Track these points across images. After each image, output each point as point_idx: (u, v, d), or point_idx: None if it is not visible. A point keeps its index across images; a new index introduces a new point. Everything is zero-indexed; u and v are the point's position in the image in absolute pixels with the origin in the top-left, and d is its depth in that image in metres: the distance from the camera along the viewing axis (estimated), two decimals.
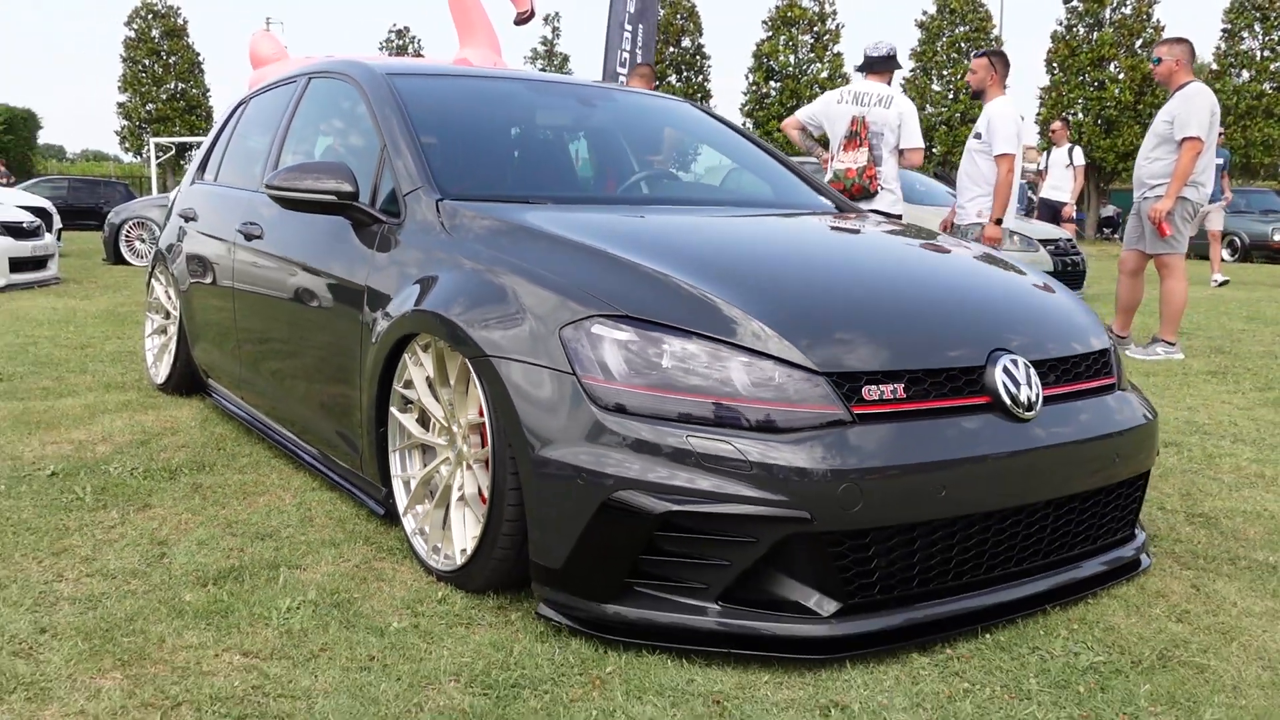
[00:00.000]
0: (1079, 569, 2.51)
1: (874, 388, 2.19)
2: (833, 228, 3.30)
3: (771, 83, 31.77)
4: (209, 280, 4.20)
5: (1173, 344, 6.54)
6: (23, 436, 3.87)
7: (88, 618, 2.25)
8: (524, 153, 3.67)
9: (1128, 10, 29.20)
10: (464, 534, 2.49)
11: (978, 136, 6.20)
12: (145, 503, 3.10)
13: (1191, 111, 6.19)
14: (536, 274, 2.44)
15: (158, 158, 28.13)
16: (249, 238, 3.73)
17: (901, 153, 5.90)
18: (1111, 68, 28.87)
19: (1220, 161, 12.21)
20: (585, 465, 2.13)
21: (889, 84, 6.03)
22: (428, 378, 2.63)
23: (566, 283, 2.37)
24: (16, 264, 9.47)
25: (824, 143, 6.26)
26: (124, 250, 12.85)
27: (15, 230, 9.60)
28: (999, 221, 6.08)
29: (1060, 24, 29.98)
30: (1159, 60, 6.54)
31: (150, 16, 35.13)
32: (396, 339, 2.68)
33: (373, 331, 2.80)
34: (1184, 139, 6.18)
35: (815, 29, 31.56)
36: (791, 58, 31.53)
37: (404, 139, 3.12)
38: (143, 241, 12.85)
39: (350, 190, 2.99)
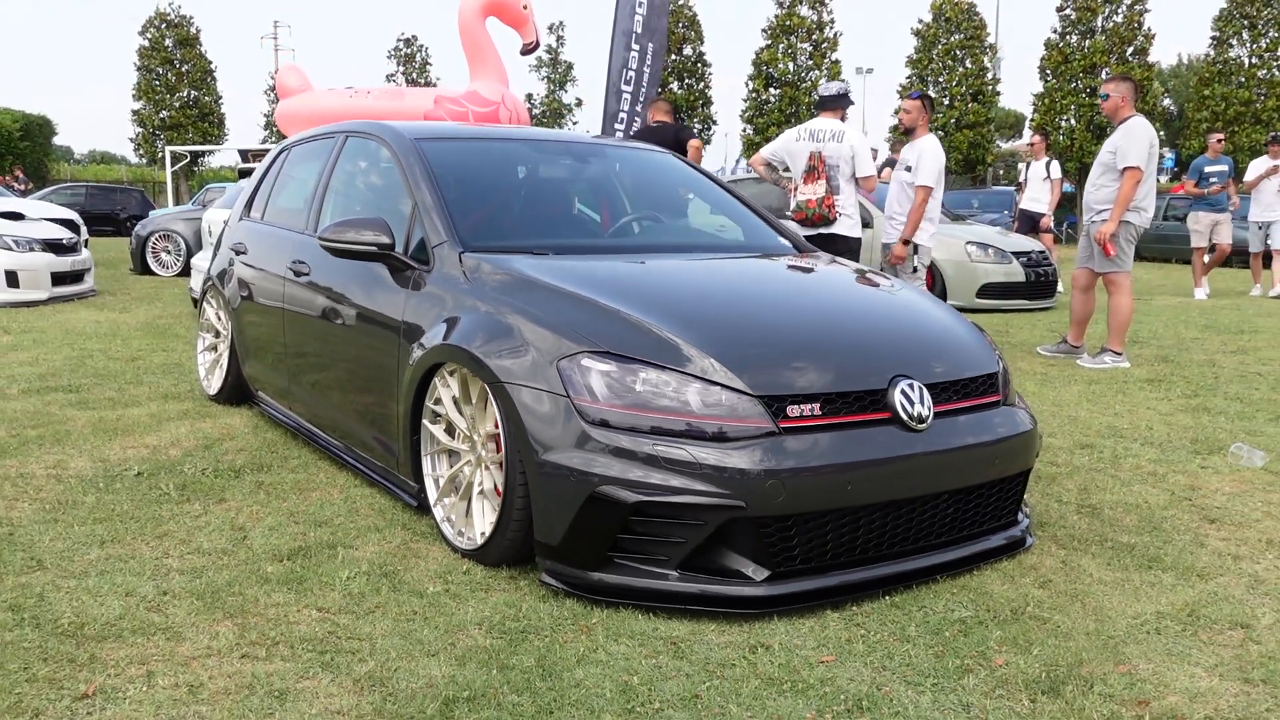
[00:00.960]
0: (965, 548, 3.18)
1: (796, 407, 2.87)
2: (781, 270, 4.00)
3: (771, 90, 32.45)
4: (259, 306, 4.90)
5: (1119, 354, 7.21)
6: (105, 442, 4.57)
7: (196, 584, 2.94)
8: (531, 206, 4.36)
9: (1119, 19, 29.82)
10: (483, 520, 3.18)
11: (908, 169, 6.96)
12: (220, 497, 3.79)
13: (1132, 143, 6.87)
14: (538, 317, 3.13)
15: (173, 165, 28.86)
16: (298, 274, 4.42)
17: (858, 181, 6.62)
18: (1103, 74, 29.49)
19: (1224, 169, 12.68)
20: (576, 466, 2.82)
21: (842, 119, 6.75)
22: (454, 397, 3.32)
23: (561, 324, 3.07)
24: (57, 278, 10.18)
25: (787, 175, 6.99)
26: (150, 261, 13.58)
27: (55, 246, 10.31)
28: (907, 242, 6.97)
29: (1054, 31, 30.62)
30: (1106, 96, 7.23)
31: (164, 25, 35.93)
32: (429, 366, 3.37)
33: (409, 357, 3.49)
34: (1125, 168, 6.85)
35: (814, 37, 32.23)
36: (790, 65, 32.22)
37: (431, 198, 3.81)
38: (168, 253, 13.57)
39: (388, 242, 3.68)
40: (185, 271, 13.24)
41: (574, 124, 38.77)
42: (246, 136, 40.68)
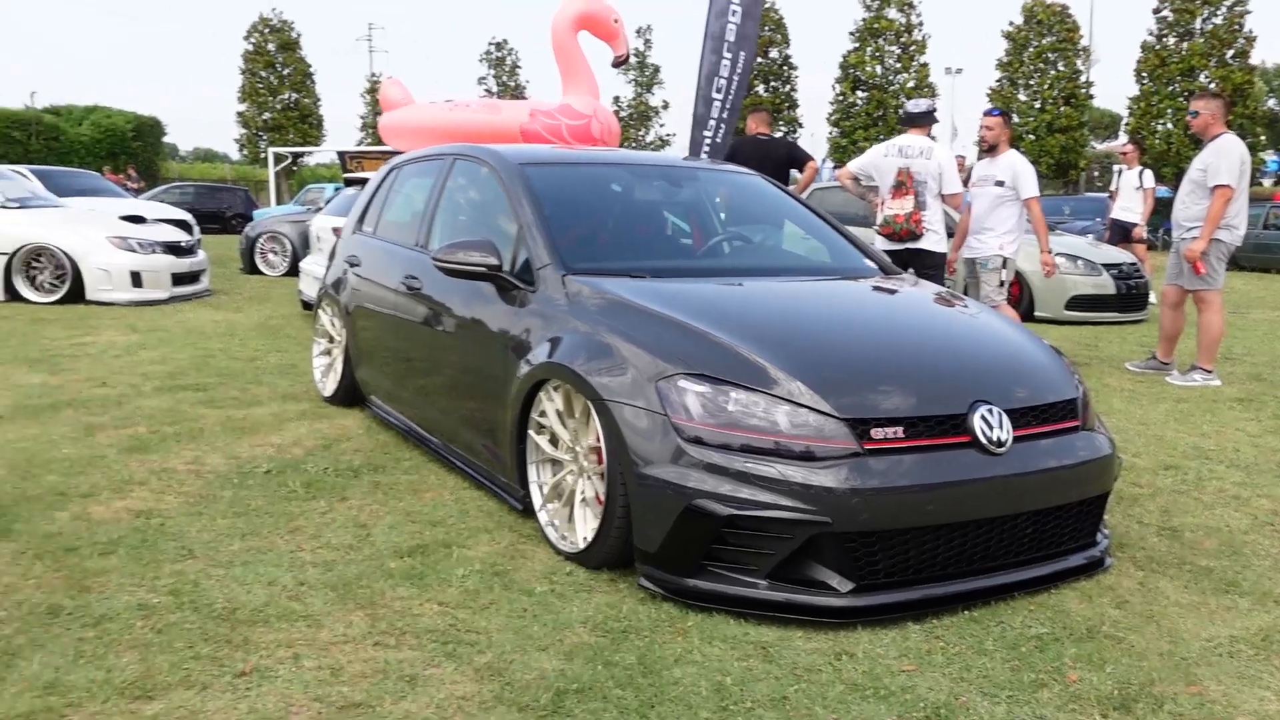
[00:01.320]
0: (1043, 567, 3.33)
1: (880, 430, 3.06)
2: (866, 293, 4.19)
3: (858, 92, 32.33)
4: (373, 316, 5.24)
5: (1209, 371, 7.19)
6: (235, 440, 4.95)
7: (328, 576, 3.25)
8: (628, 229, 4.61)
9: (1219, 20, 28.99)
10: (584, 526, 3.43)
11: (1000, 184, 7.04)
12: (342, 495, 4.12)
13: (1223, 161, 6.85)
14: (636, 338, 3.38)
15: (275, 165, 29.94)
16: (410, 288, 4.74)
17: (944, 197, 6.75)
18: (1202, 78, 28.70)
19: None
20: (673, 480, 3.05)
21: (928, 136, 6.89)
22: (557, 410, 3.58)
23: (658, 346, 3.30)
24: (177, 278, 10.79)
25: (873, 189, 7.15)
26: (259, 262, 14.23)
27: (175, 248, 10.93)
28: (1050, 251, 7.24)
29: (1150, 34, 29.89)
30: (1195, 114, 7.21)
31: (267, 30, 37.27)
32: (535, 381, 3.63)
33: (515, 372, 3.76)
34: (1216, 186, 6.84)
35: (901, 40, 32.02)
36: (878, 68, 32.04)
37: (536, 222, 4.08)
38: (275, 254, 14.19)
39: (496, 263, 3.96)
40: (290, 272, 13.85)
41: (660, 125, 39.07)
42: (343, 138, 41.90)
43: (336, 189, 22.81)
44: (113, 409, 5.58)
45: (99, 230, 10.60)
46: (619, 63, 10.18)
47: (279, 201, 29.71)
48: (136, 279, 10.38)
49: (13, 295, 10.26)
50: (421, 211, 5.07)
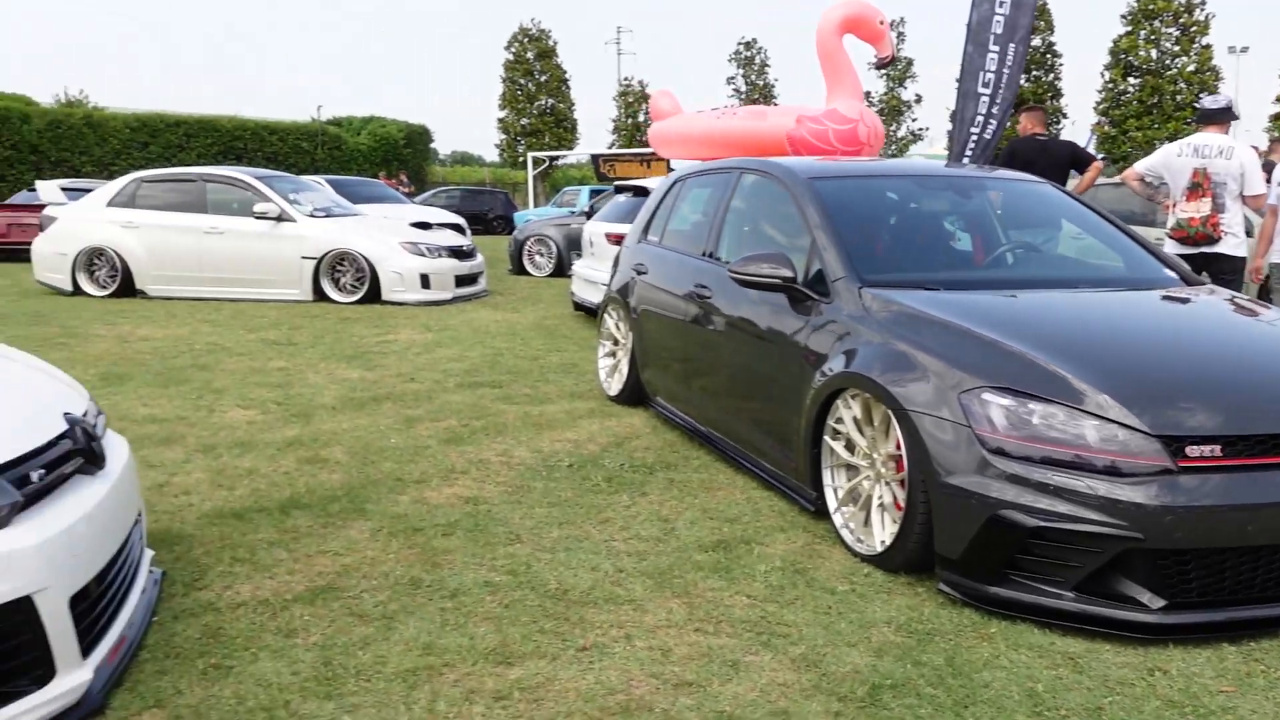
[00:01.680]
0: None
1: (1196, 448, 3.02)
2: (1167, 303, 4.08)
3: (1130, 79, 30.33)
4: (660, 321, 5.57)
5: None
6: (536, 435, 5.41)
7: (643, 565, 3.56)
8: (917, 241, 4.69)
9: None
10: (882, 531, 3.57)
11: None
12: (642, 490, 4.44)
13: None
14: (935, 350, 3.47)
15: (534, 169, 31.58)
16: (700, 296, 5.02)
17: (1245, 199, 6.33)
18: None
19: None
20: (977, 490, 3.14)
21: (1226, 133, 6.47)
22: (855, 418, 3.73)
23: (958, 359, 3.39)
24: (459, 280, 11.71)
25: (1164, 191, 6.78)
26: (526, 263, 15.13)
27: (457, 252, 11.87)
28: None
29: None
30: None
31: (526, 40, 39.31)
32: (832, 389, 3.80)
33: (810, 380, 3.94)
34: None
35: (1181, 20, 29.76)
36: (1153, 52, 29.94)
37: (829, 235, 4.24)
38: (541, 255, 15.05)
39: (790, 275, 4.16)
40: (555, 273, 14.66)
41: (913, 120, 38.14)
42: (594, 140, 43.57)
43: (593, 191, 23.88)
44: (425, 403, 6.20)
45: (393, 236, 11.66)
46: (883, 64, 10.17)
47: (536, 204, 31.28)
48: (425, 281, 11.35)
49: (319, 295, 11.45)
50: (708, 223, 5.35)
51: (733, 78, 40.10)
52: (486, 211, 30.57)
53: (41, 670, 2.45)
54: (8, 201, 20.02)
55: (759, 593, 3.33)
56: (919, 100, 38.44)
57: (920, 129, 37.94)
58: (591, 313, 9.79)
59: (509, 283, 14.17)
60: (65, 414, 2.87)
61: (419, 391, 6.54)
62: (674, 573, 3.49)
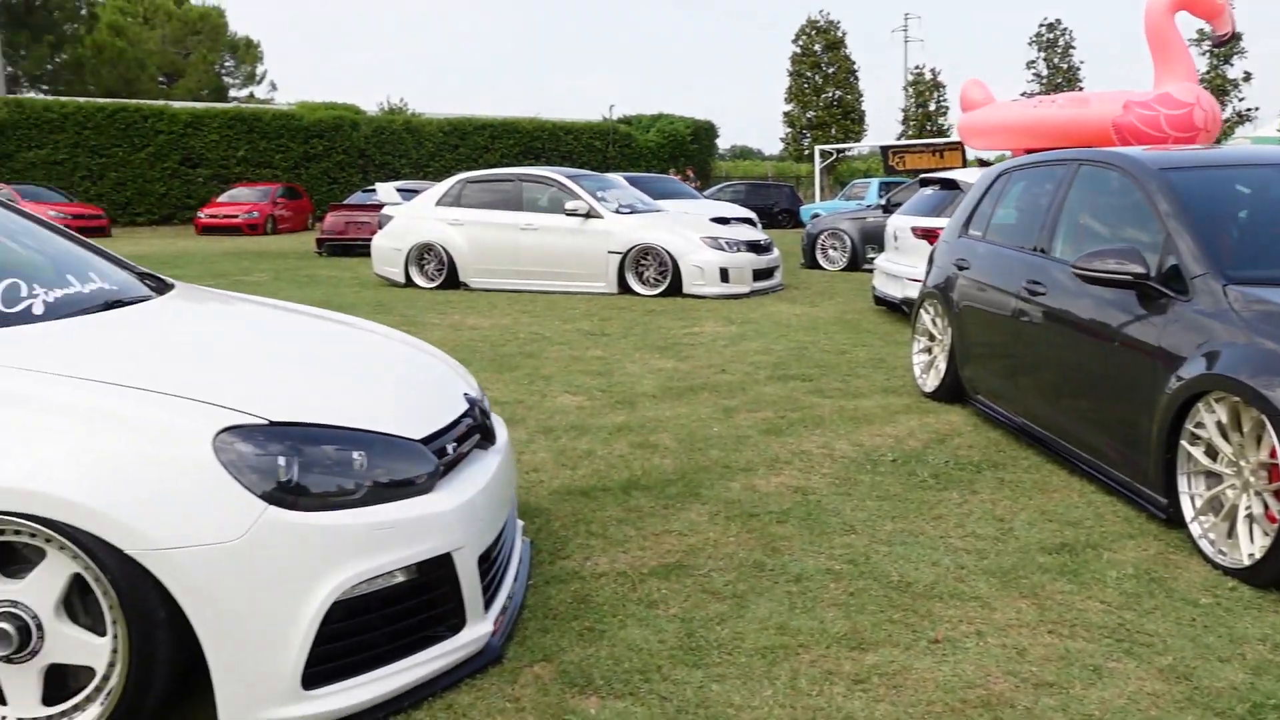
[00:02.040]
0: None
1: None
2: None
3: None
4: (984, 317, 5.46)
5: None
6: (854, 429, 5.46)
7: (984, 563, 3.54)
8: None
9: None
10: (1249, 543, 3.36)
11: None
12: (971, 489, 4.40)
13: None
14: None
15: (821, 163, 31.42)
16: (1032, 292, 4.88)
17: None
18: None
19: None
20: None
21: None
22: (1219, 423, 3.52)
23: None
24: (756, 274, 11.92)
25: None
26: (819, 257, 15.14)
27: (755, 246, 12.07)
28: None
29: None
30: None
31: (814, 32, 39.12)
32: (1192, 392, 3.60)
33: (1165, 382, 3.76)
34: None
35: None
36: None
37: (1186, 229, 4.01)
38: (835, 249, 15.00)
39: (1143, 271, 3.98)
40: (849, 267, 14.57)
41: (1239, 100, 34.63)
42: (881, 132, 42.72)
43: (882, 184, 23.45)
44: (739, 394, 6.39)
45: (695, 232, 12.03)
46: (1221, 42, 9.42)
47: (822, 197, 31.09)
48: (724, 275, 11.63)
49: (623, 288, 11.99)
50: (1040, 217, 5.18)
51: (1033, 62, 38.09)
52: (772, 205, 30.66)
53: (455, 620, 2.80)
54: (345, 202, 22.27)
55: (1113, 599, 3.24)
56: (1247, 78, 34.80)
57: (1249, 109, 34.38)
58: (893, 308, 9.69)
59: (802, 276, 14.23)
60: (465, 394, 3.25)
61: (732, 383, 6.75)
62: (1018, 573, 3.45)
